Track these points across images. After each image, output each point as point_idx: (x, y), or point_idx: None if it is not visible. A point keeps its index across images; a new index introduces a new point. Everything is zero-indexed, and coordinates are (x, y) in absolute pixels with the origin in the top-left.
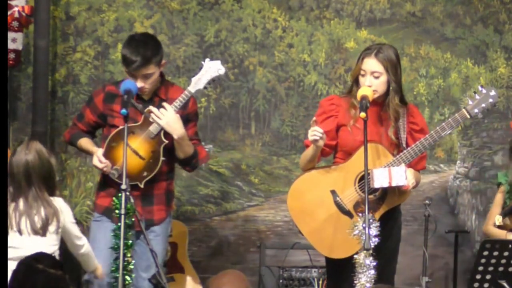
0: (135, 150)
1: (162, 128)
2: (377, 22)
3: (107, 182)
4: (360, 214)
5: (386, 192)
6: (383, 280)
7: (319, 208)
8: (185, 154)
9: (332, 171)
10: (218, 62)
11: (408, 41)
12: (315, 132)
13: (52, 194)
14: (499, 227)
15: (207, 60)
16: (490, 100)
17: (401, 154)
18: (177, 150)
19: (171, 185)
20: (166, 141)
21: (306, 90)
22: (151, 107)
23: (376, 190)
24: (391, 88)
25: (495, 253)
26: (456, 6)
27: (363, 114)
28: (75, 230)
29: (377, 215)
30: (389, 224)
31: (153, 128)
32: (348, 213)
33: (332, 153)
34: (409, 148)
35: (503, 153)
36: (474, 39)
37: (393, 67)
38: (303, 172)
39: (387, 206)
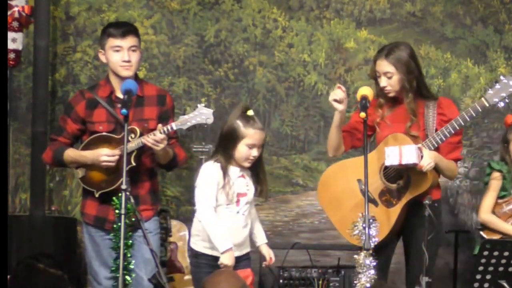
0: None
1: (134, 151)
2: (377, 22)
3: (89, 191)
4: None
5: (410, 180)
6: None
7: (347, 197)
8: (165, 161)
9: (359, 160)
10: (211, 112)
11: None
12: (334, 93)
13: None
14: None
15: (202, 104)
16: (511, 89)
17: (424, 141)
18: (158, 157)
19: (155, 185)
20: (134, 164)
21: (306, 90)
22: (146, 137)
23: (400, 178)
24: (404, 87)
25: (495, 253)
26: (456, 6)
27: (363, 114)
28: None
29: (401, 203)
30: (414, 220)
31: (127, 147)
32: (373, 201)
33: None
34: (430, 137)
35: None
36: (474, 39)
37: (404, 66)
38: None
39: (410, 194)
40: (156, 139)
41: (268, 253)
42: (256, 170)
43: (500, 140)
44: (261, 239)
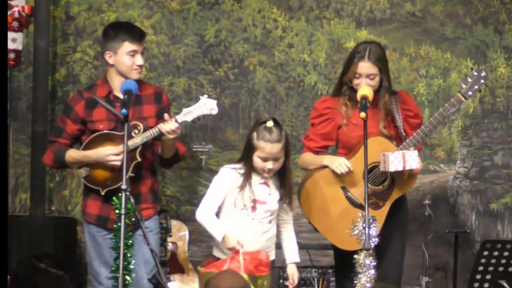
0: None
1: (139, 146)
2: (377, 22)
3: (91, 188)
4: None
5: (394, 182)
6: (392, 271)
7: (332, 205)
8: (170, 153)
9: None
10: (214, 102)
11: (408, 41)
12: (339, 168)
13: None
14: None
15: (205, 96)
16: (482, 81)
17: (404, 143)
18: (165, 151)
19: (156, 183)
20: (139, 159)
21: (306, 90)
22: (162, 124)
23: (384, 181)
24: (382, 86)
25: (495, 253)
26: (456, 6)
27: (363, 114)
28: None
29: (388, 203)
30: (397, 212)
31: (130, 143)
32: (360, 207)
33: (327, 152)
34: (411, 137)
35: (503, 153)
36: (474, 39)
37: (385, 66)
38: (309, 172)
39: (396, 194)
40: (172, 127)
41: (292, 275)
42: (280, 179)
43: None
44: (290, 258)
